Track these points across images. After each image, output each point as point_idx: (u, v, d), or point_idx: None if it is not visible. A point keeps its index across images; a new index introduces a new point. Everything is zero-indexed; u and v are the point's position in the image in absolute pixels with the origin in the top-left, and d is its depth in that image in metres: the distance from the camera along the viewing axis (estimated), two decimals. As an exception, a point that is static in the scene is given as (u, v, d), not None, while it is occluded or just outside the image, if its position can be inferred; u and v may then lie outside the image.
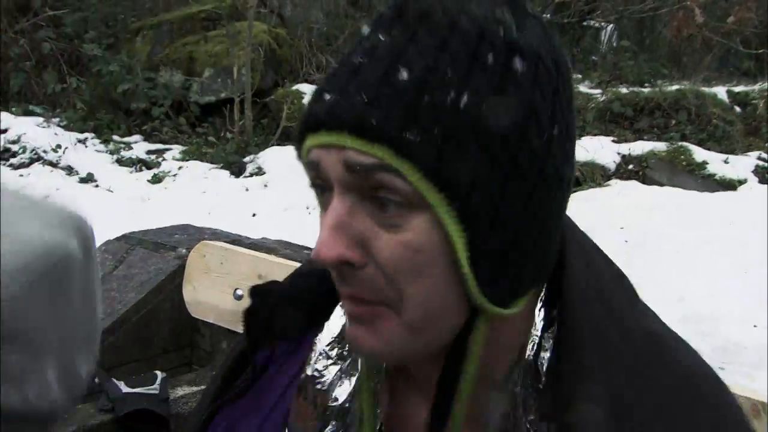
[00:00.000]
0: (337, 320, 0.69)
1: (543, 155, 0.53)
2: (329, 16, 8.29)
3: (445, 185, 0.50)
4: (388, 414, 0.64)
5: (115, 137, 6.54)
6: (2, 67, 6.95)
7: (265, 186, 5.30)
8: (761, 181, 4.97)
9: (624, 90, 6.30)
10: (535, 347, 0.59)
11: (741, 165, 5.17)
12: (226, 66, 6.70)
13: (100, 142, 6.40)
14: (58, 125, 6.45)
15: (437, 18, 0.52)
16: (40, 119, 6.45)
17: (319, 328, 0.69)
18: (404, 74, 0.50)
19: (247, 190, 5.27)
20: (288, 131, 6.33)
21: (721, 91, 6.19)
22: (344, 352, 0.68)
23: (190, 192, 5.20)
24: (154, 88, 6.79)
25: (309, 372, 0.67)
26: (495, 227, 0.52)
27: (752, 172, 5.09)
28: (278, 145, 6.12)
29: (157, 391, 1.33)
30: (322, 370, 0.67)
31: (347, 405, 0.65)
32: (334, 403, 0.66)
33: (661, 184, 4.98)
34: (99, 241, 2.17)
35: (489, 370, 0.58)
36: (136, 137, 6.67)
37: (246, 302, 0.72)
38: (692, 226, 3.97)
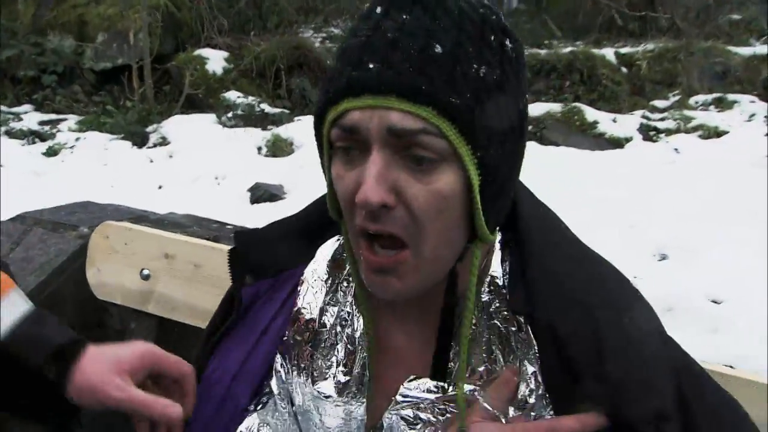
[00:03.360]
0: (326, 254, 0.82)
1: (524, 116, 0.69)
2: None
3: (472, 139, 0.63)
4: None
5: (2, 107, 6.11)
6: None
7: (171, 157, 5.15)
8: (645, 139, 5.36)
9: (523, 52, 6.54)
10: (496, 264, 0.75)
11: (627, 123, 5.54)
12: (121, 30, 6.37)
13: (-15, 113, 5.98)
14: (-65, 96, 5.96)
15: (449, 3, 0.64)
16: None
17: (303, 263, 0.82)
18: (438, 48, 0.62)
19: (151, 161, 5.10)
20: (192, 99, 6.14)
21: (609, 53, 6.56)
22: (336, 283, 0.80)
23: (90, 165, 4.97)
24: (42, 53, 6.37)
25: (300, 304, 0.80)
26: (498, 172, 0.66)
27: (637, 130, 5.47)
28: (182, 113, 5.94)
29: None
30: (311, 302, 0.80)
31: (335, 330, 0.78)
32: (323, 329, 0.79)
33: (557, 144, 5.27)
34: (-8, 222, 2.09)
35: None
36: (26, 107, 6.26)
37: (153, 281, 0.80)
38: (584, 185, 4.25)
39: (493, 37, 0.65)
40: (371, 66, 0.62)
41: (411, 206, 0.64)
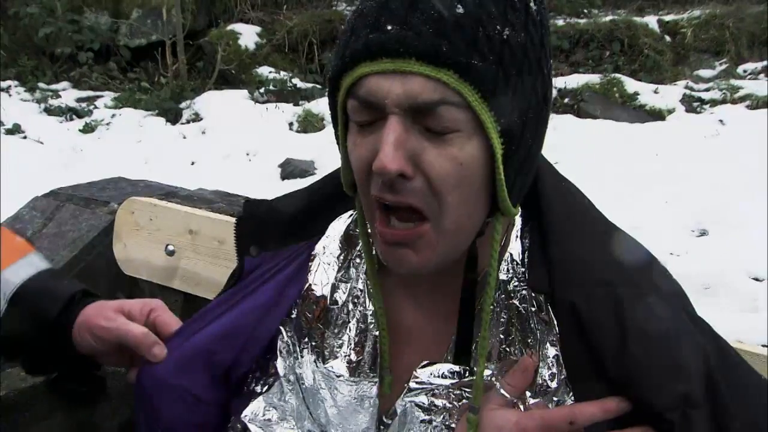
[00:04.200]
0: (339, 230, 0.80)
1: (549, 82, 0.65)
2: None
3: (495, 105, 0.59)
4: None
5: (41, 85, 6.23)
6: None
7: (203, 133, 5.18)
8: (688, 110, 5.16)
9: (560, 22, 6.34)
10: (515, 241, 0.71)
11: (670, 94, 5.34)
12: (155, 6, 6.40)
13: (25, 90, 6.10)
14: (-23, 74, 6.11)
15: None
16: (-43, 68, 6.09)
17: (313, 239, 0.80)
18: (460, 9, 0.58)
19: (184, 137, 5.15)
20: (225, 74, 6.15)
21: (652, 21, 6.30)
22: (349, 260, 0.78)
23: (125, 141, 5.04)
24: (79, 31, 6.45)
25: (311, 280, 0.78)
26: (521, 141, 0.62)
27: (680, 101, 5.27)
28: (215, 89, 5.96)
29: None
30: (322, 278, 0.78)
31: (347, 308, 0.76)
32: (334, 306, 0.76)
33: (594, 117, 5.11)
34: (29, 197, 2.13)
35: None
36: (64, 84, 6.38)
37: (177, 257, 0.78)
38: (622, 158, 4.12)
39: None
40: (389, 27, 0.58)
41: (430, 176, 0.61)
